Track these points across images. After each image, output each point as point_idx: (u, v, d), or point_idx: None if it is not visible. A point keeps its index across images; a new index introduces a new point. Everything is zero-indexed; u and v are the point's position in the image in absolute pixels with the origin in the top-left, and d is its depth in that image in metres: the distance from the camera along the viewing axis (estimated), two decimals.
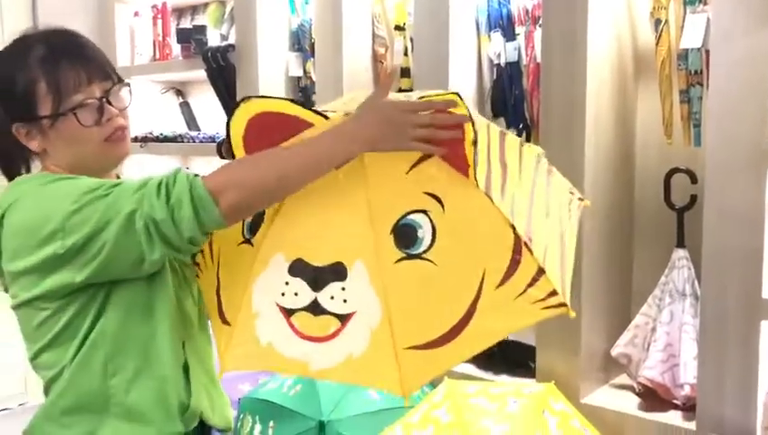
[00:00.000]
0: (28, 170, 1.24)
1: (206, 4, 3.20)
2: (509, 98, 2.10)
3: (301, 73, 2.66)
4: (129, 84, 1.23)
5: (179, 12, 3.31)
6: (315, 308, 1.05)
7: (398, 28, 2.37)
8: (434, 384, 2.03)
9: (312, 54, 2.56)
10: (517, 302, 1.03)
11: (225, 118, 2.81)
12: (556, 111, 1.86)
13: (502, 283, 1.02)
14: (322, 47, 2.44)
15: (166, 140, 3.05)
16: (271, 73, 2.65)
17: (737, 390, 1.63)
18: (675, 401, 1.78)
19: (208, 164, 3.05)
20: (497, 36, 2.10)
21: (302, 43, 2.65)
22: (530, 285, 1.03)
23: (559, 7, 1.83)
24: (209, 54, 2.74)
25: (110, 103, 1.18)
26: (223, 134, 2.93)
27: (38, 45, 1.17)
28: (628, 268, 2.03)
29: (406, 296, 1.04)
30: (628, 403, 1.86)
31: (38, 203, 1.11)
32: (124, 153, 1.22)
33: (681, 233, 1.83)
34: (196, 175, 1.07)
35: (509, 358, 2.09)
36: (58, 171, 1.19)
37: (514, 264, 1.02)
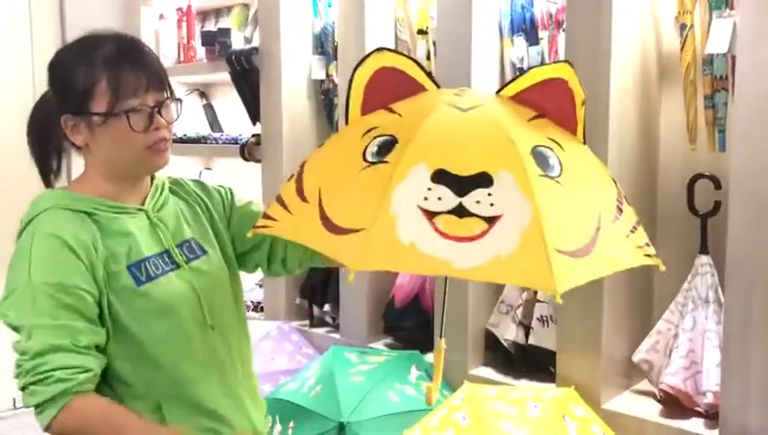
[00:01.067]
0: (60, 164, 1.28)
1: (230, 8, 3.23)
2: None
3: (323, 76, 2.68)
4: (181, 100, 1.27)
5: (204, 15, 3.34)
6: (461, 211, 1.03)
7: (420, 32, 2.38)
8: (453, 387, 2.03)
9: (335, 57, 2.57)
10: (628, 240, 1.13)
11: (247, 120, 2.86)
12: None
13: (615, 220, 1.11)
14: (345, 50, 2.45)
15: (189, 141, 3.09)
16: (294, 76, 2.68)
17: (761, 398, 1.61)
18: (697, 409, 1.77)
19: (230, 165, 3.08)
20: (520, 40, 2.10)
21: (324, 46, 2.67)
22: (632, 231, 1.13)
23: (583, 11, 1.83)
24: (233, 57, 2.77)
25: (160, 114, 1.21)
26: (246, 136, 2.97)
27: (105, 45, 1.21)
28: (650, 274, 2.02)
29: (552, 205, 1.06)
30: (650, 410, 1.84)
31: (17, 255, 1.17)
32: (162, 164, 1.26)
33: (704, 239, 1.82)
34: (74, 393, 1.10)
35: (529, 362, 2.09)
36: (95, 174, 1.23)
37: (618, 211, 1.12)
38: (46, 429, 1.11)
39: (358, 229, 1.03)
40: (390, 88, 1.16)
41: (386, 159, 1.08)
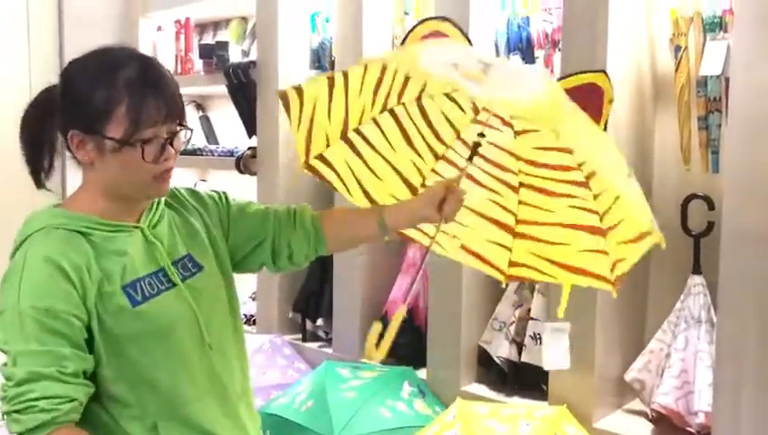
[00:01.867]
0: (51, 163, 1.24)
1: (228, 21, 3.25)
2: None
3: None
4: (192, 130, 1.25)
5: (202, 28, 3.36)
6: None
7: None
8: (446, 404, 2.03)
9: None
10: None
11: (243, 133, 2.86)
12: None
13: None
14: (342, 65, 2.46)
15: (185, 152, 3.06)
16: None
17: (752, 419, 1.61)
18: (689, 429, 1.77)
19: (226, 177, 3.08)
20: (516, 59, 2.11)
21: (322, 60, 2.68)
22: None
23: (578, 31, 1.84)
24: (231, 70, 2.77)
25: (171, 145, 1.19)
26: (242, 149, 2.97)
27: (128, 67, 1.17)
28: (643, 293, 2.02)
29: None
30: (642, 429, 1.84)
31: (8, 277, 1.14)
32: (164, 193, 1.25)
33: (697, 259, 1.83)
34: (55, 426, 1.07)
35: (521, 380, 2.09)
36: (93, 192, 1.21)
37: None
38: None
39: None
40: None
41: None
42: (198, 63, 3.10)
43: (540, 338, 2.03)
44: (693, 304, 1.81)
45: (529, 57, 2.10)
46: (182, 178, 3.24)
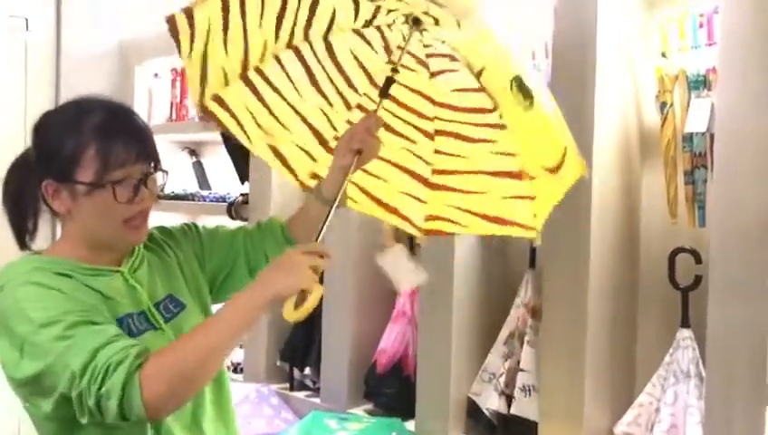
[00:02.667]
0: (36, 225, 1.25)
1: None
2: None
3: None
4: (167, 172, 1.26)
5: None
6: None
7: None
8: None
9: None
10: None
11: (236, 179, 2.87)
12: None
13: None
14: None
15: (177, 197, 3.09)
16: None
17: None
18: None
19: (217, 223, 3.08)
20: None
21: None
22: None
23: (567, 84, 1.88)
24: None
25: (146, 186, 1.20)
26: (234, 195, 2.97)
27: (95, 112, 1.19)
28: (632, 347, 2.02)
29: None
30: None
31: (6, 317, 1.12)
32: (138, 240, 1.24)
33: (686, 313, 1.83)
34: (138, 366, 1.04)
35: (511, 432, 2.06)
36: (71, 240, 1.21)
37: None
38: (149, 413, 1.03)
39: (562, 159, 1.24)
40: None
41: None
42: (193, 110, 3.13)
43: (530, 390, 2.02)
44: (682, 357, 1.81)
45: None
46: (173, 222, 3.23)
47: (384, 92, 1.22)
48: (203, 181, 3.34)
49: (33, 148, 1.22)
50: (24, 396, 1.15)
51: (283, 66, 1.28)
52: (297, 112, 1.32)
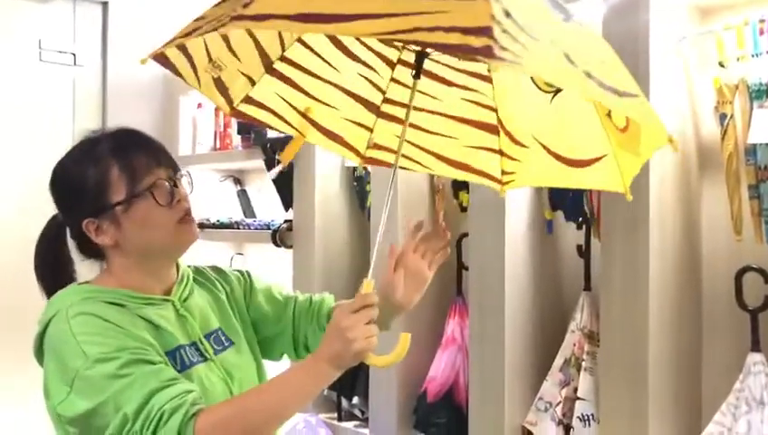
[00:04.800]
0: (66, 285, 1.22)
1: None
2: (567, 191, 2.05)
3: (356, 163, 2.69)
4: (189, 173, 1.25)
5: None
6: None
7: None
8: None
9: None
10: None
11: (280, 206, 2.86)
12: (618, 205, 1.81)
13: None
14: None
15: (222, 226, 3.10)
16: (327, 163, 2.69)
17: None
18: None
19: (262, 251, 3.07)
20: None
21: None
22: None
23: None
24: (268, 145, 2.80)
25: (176, 187, 1.20)
26: (278, 222, 2.97)
27: (105, 139, 1.20)
28: (697, 373, 1.91)
29: None
30: None
31: (59, 347, 1.10)
32: (194, 237, 1.23)
33: (756, 336, 1.72)
34: (192, 415, 1.02)
35: None
36: (118, 270, 1.19)
37: None
38: None
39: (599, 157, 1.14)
40: None
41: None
42: (237, 139, 3.15)
43: (589, 419, 1.92)
44: (754, 384, 1.69)
45: None
46: (219, 251, 3.24)
47: (418, 74, 1.15)
48: (247, 209, 3.35)
49: (57, 202, 1.22)
50: (67, 433, 1.12)
51: (308, 46, 1.21)
52: (337, 87, 1.24)
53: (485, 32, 0.77)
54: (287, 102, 1.28)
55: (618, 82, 0.96)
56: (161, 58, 1.15)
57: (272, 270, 2.73)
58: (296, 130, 1.28)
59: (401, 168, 1.30)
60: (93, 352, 1.06)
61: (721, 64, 1.78)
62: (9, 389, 2.85)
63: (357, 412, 2.57)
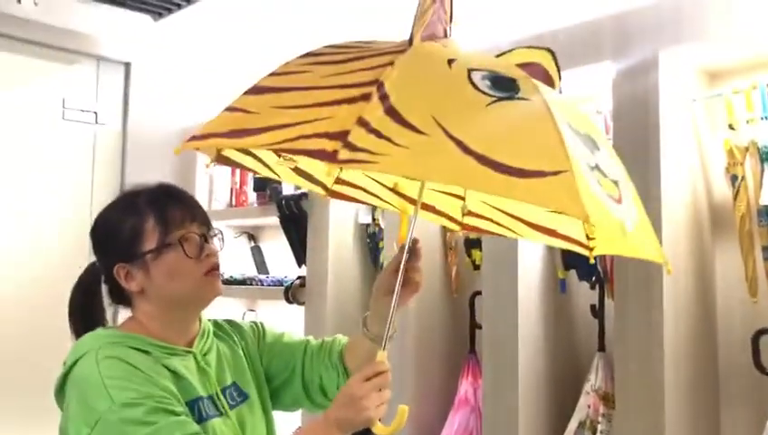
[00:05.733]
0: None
1: None
2: None
3: (369, 220, 2.71)
4: (221, 232, 1.30)
5: None
6: (600, 170, 0.98)
7: None
8: None
9: None
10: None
11: (293, 262, 2.87)
12: (630, 264, 1.80)
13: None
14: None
15: (234, 282, 3.11)
16: (341, 220, 2.71)
17: None
18: None
19: (274, 307, 3.07)
20: None
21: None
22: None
23: (630, 160, 1.82)
24: (283, 202, 2.83)
25: (207, 242, 1.25)
26: (291, 278, 2.97)
27: (146, 192, 1.26)
28: (716, 427, 1.87)
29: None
30: None
31: (86, 388, 1.12)
32: (218, 291, 1.26)
33: None
34: None
35: None
36: (144, 317, 1.23)
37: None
38: None
39: (553, 172, 0.88)
40: (436, 19, 1.10)
41: (521, 96, 0.97)
42: (252, 196, 3.19)
43: None
44: None
45: None
46: (231, 307, 3.24)
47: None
48: (261, 265, 3.36)
49: (95, 247, 1.27)
50: None
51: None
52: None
53: (340, 136, 0.88)
54: (374, 180, 1.31)
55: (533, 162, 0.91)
56: (224, 160, 1.20)
57: (283, 326, 2.72)
58: (393, 206, 1.29)
59: (497, 234, 1.33)
60: (120, 397, 1.08)
61: (731, 127, 1.80)
62: None
63: None
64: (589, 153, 0.97)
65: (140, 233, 1.21)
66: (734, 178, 1.79)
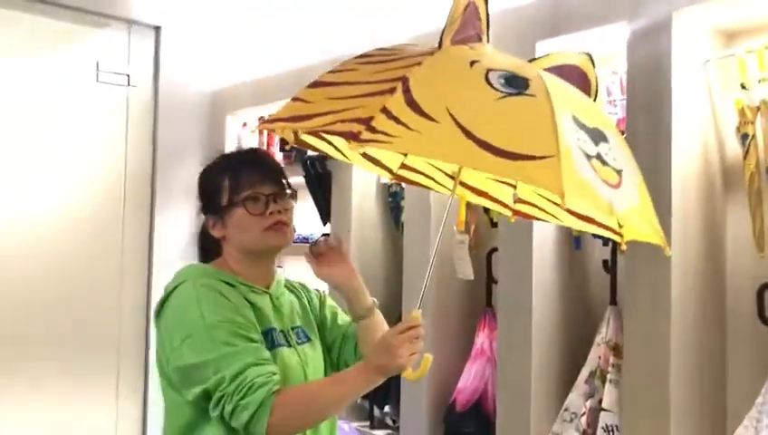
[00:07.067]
0: (219, 254, 1.50)
1: None
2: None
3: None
4: (295, 192, 1.50)
5: None
6: (600, 158, 1.12)
7: None
8: None
9: None
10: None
11: (319, 221, 2.97)
12: None
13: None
14: None
15: None
16: (364, 180, 2.80)
17: None
18: None
19: (301, 264, 3.17)
20: None
21: None
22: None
23: (642, 122, 1.88)
24: (308, 162, 2.92)
25: (275, 202, 1.43)
26: (316, 235, 3.07)
27: (231, 155, 1.55)
28: (721, 387, 1.94)
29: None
30: None
31: (183, 306, 1.36)
32: (280, 243, 1.45)
33: None
34: (274, 392, 1.27)
35: None
36: (230, 259, 1.46)
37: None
38: (269, 433, 1.26)
39: (541, 156, 1.03)
40: (467, 25, 1.26)
41: (529, 93, 1.12)
42: (279, 156, 3.28)
43: (613, 430, 1.96)
44: None
45: None
46: None
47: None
48: None
49: (198, 199, 1.51)
50: (169, 381, 1.37)
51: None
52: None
53: (366, 121, 1.07)
54: (435, 167, 1.49)
55: (529, 147, 1.06)
56: (302, 143, 1.41)
57: (310, 283, 2.83)
58: (452, 192, 1.41)
59: (543, 220, 1.51)
60: (211, 317, 1.31)
61: (743, 86, 1.83)
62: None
63: (388, 421, 2.64)
64: (591, 143, 1.12)
65: (219, 190, 1.44)
66: (744, 138, 1.83)
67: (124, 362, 3.29)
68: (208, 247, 1.52)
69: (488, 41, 1.30)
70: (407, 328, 1.29)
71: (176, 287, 1.39)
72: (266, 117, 1.26)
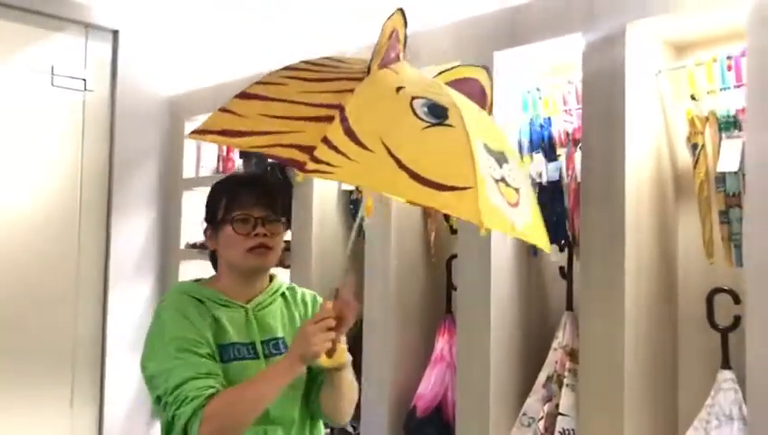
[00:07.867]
0: (215, 262, 1.63)
1: None
2: (551, 216, 2.15)
3: (352, 187, 2.80)
4: (286, 220, 1.59)
5: None
6: (504, 181, 1.24)
7: None
8: None
9: None
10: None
11: None
12: (596, 230, 1.91)
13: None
14: None
15: None
16: (325, 187, 2.80)
17: None
18: None
19: None
20: (539, 157, 2.19)
21: None
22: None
23: (598, 131, 1.92)
24: (269, 168, 2.91)
25: (263, 225, 1.52)
26: None
27: (233, 177, 1.71)
28: (672, 389, 1.99)
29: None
30: None
31: (153, 322, 1.51)
32: (260, 265, 1.54)
33: (726, 354, 1.81)
34: (204, 405, 1.38)
35: None
36: (221, 271, 1.58)
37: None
38: None
39: (462, 187, 1.15)
40: (389, 51, 1.32)
41: (449, 123, 1.23)
42: (239, 162, 3.26)
43: (571, 434, 2.00)
44: (723, 400, 1.77)
45: (551, 155, 2.18)
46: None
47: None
48: None
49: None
50: (147, 386, 1.50)
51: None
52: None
53: (309, 150, 1.15)
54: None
55: (447, 177, 1.17)
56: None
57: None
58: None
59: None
60: (168, 335, 1.45)
61: (693, 97, 1.89)
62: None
63: (349, 428, 2.64)
64: (497, 167, 1.25)
65: (216, 207, 1.55)
66: (694, 147, 1.89)
67: (79, 371, 3.23)
68: (214, 258, 1.62)
69: (405, 57, 1.37)
70: (321, 318, 1.40)
71: (162, 302, 1.55)
72: (196, 128, 1.31)
